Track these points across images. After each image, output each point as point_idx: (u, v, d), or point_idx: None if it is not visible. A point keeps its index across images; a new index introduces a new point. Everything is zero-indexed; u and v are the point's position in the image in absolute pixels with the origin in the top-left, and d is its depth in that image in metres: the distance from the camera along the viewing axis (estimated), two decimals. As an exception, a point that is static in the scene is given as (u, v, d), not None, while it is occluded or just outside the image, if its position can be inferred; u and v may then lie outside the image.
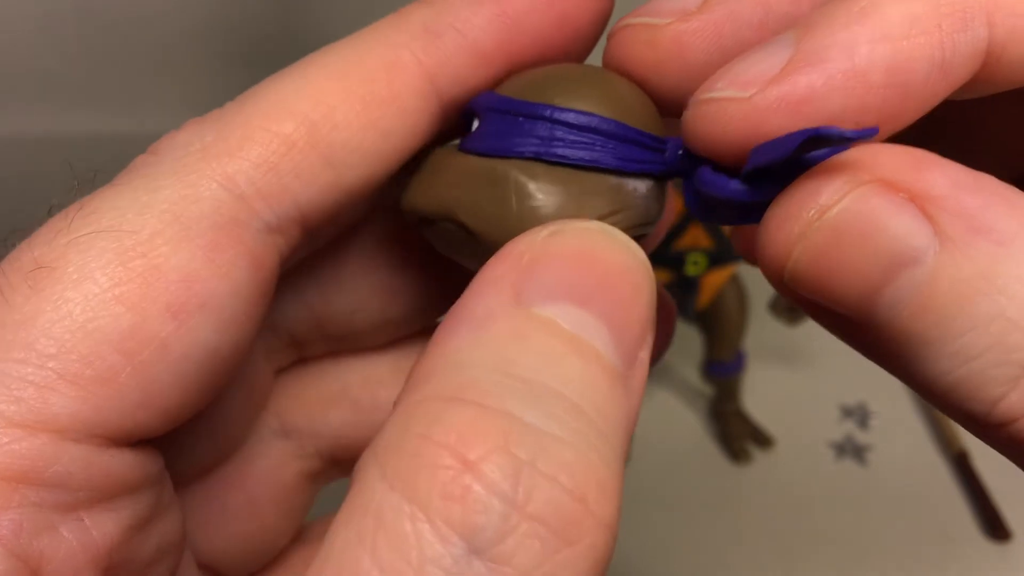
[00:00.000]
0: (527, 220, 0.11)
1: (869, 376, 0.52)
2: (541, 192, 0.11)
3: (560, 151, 0.11)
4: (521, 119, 0.12)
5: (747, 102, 0.11)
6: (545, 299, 0.10)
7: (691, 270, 0.43)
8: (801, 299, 0.12)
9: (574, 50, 0.13)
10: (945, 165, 0.11)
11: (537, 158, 0.12)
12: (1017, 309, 0.10)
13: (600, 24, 0.13)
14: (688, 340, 0.51)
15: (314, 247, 0.13)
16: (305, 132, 0.11)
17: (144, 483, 0.11)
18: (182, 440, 0.13)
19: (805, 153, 0.11)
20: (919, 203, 0.11)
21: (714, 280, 0.45)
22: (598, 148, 0.12)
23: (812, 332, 0.54)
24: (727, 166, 0.11)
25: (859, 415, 0.49)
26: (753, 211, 0.12)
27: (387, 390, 0.16)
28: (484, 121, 0.12)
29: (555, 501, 0.09)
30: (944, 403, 0.12)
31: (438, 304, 0.15)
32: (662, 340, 0.14)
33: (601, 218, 0.12)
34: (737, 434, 0.47)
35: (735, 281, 0.46)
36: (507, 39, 0.12)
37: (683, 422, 0.49)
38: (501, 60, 0.12)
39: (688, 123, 0.11)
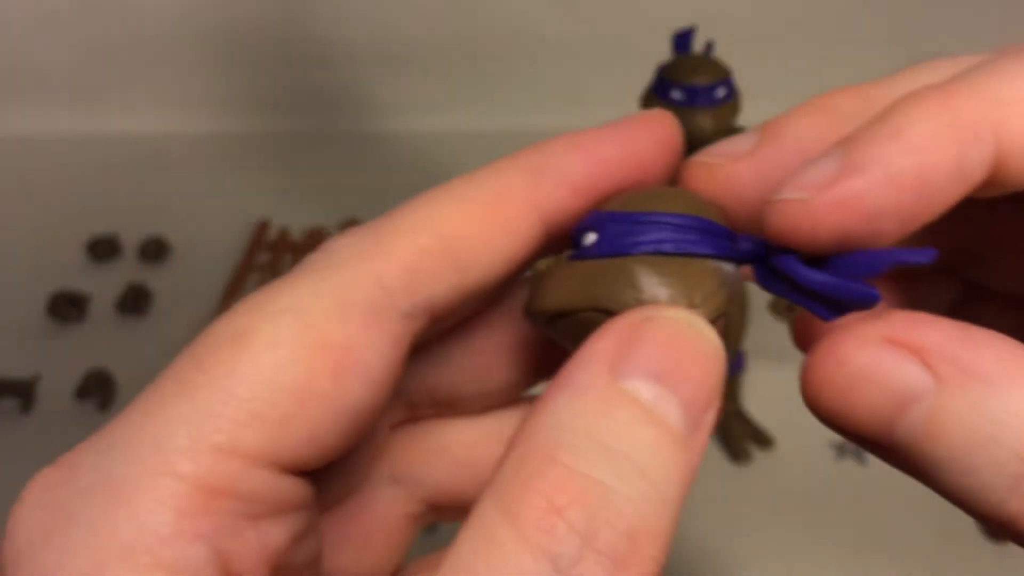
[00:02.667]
0: (653, 301, 0.15)
1: (869, 376, 0.52)
2: (662, 277, 0.15)
3: (669, 246, 0.15)
4: (634, 225, 0.15)
5: (808, 202, 0.14)
6: (632, 375, 0.13)
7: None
8: (837, 430, 0.16)
9: (650, 184, 0.17)
10: (939, 322, 0.14)
11: (656, 253, 0.15)
12: (1005, 433, 0.13)
13: (671, 167, 0.17)
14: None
15: (438, 331, 0.17)
16: (438, 244, 0.15)
17: (303, 505, 0.15)
18: (326, 476, 0.17)
19: (875, 271, 0.14)
20: (918, 354, 0.14)
21: (714, 280, 0.45)
22: (697, 241, 0.15)
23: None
24: (798, 252, 0.15)
25: (859, 415, 0.49)
26: (816, 297, 0.15)
27: (482, 450, 0.19)
28: (602, 232, 0.15)
29: (614, 541, 0.12)
30: (961, 505, 0.15)
31: (528, 381, 0.19)
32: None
33: (710, 294, 0.15)
34: (737, 434, 0.47)
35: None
36: (597, 177, 0.16)
37: (683, 422, 0.49)
38: (592, 192, 0.17)
39: (765, 219, 0.15)
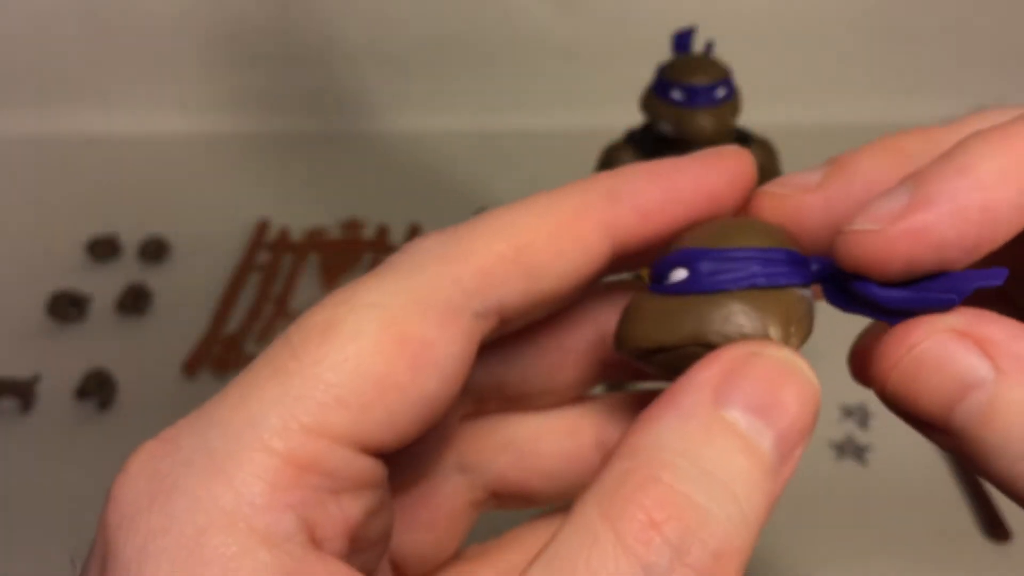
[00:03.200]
0: (755, 334, 0.16)
1: (869, 376, 0.52)
2: (761, 313, 0.16)
3: (761, 280, 0.16)
4: (725, 262, 0.16)
5: (881, 233, 0.15)
6: (734, 405, 0.15)
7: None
8: (898, 411, 0.17)
9: (723, 216, 0.18)
10: (1003, 320, 0.16)
11: (751, 288, 0.16)
12: None
13: (743, 200, 0.18)
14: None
15: (506, 332, 0.18)
16: (512, 252, 0.16)
17: (379, 483, 0.16)
18: (399, 460, 0.18)
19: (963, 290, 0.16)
20: (981, 346, 0.15)
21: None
22: (785, 273, 0.16)
23: (812, 332, 0.54)
24: (870, 277, 0.16)
25: (859, 415, 0.49)
26: (889, 313, 0.16)
27: (545, 444, 0.21)
28: (693, 268, 0.16)
29: (703, 558, 0.13)
30: (1010, 491, 0.16)
31: (591, 382, 0.20)
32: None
33: (800, 323, 0.16)
34: (737, 434, 0.47)
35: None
36: (668, 205, 0.17)
37: (683, 422, 0.49)
38: (662, 219, 0.18)
39: (839, 247, 0.16)
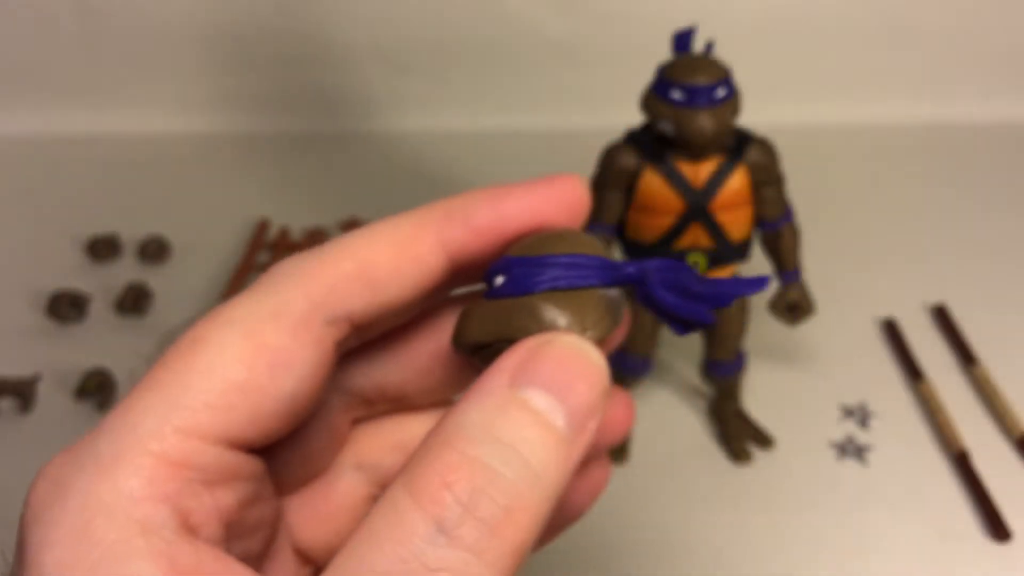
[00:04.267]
0: (552, 329, 0.18)
1: (869, 376, 0.52)
2: (559, 310, 0.18)
3: (562, 283, 0.18)
4: (533, 268, 0.18)
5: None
6: (527, 385, 0.17)
7: (691, 270, 0.43)
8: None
9: (546, 229, 0.20)
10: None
11: (553, 290, 0.18)
12: None
13: (574, 218, 0.21)
14: (688, 340, 0.50)
15: (364, 338, 0.20)
16: (357, 269, 0.19)
17: (252, 476, 0.18)
18: (288, 460, 0.21)
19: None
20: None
21: (714, 280, 0.45)
22: (584, 275, 0.18)
23: (812, 332, 0.55)
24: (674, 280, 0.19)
25: (859, 415, 0.49)
26: (672, 317, 0.19)
27: None
28: (509, 274, 0.19)
29: (492, 512, 0.15)
30: None
31: (462, 383, 0.22)
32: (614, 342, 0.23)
33: (598, 320, 0.18)
34: (737, 434, 0.47)
35: (735, 281, 0.46)
36: (497, 223, 0.20)
37: (683, 422, 0.49)
38: (492, 235, 0.20)
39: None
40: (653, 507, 0.44)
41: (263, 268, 0.61)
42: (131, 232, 0.64)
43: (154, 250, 0.62)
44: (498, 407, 0.17)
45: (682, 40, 0.42)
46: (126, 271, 0.61)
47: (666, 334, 0.51)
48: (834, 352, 0.53)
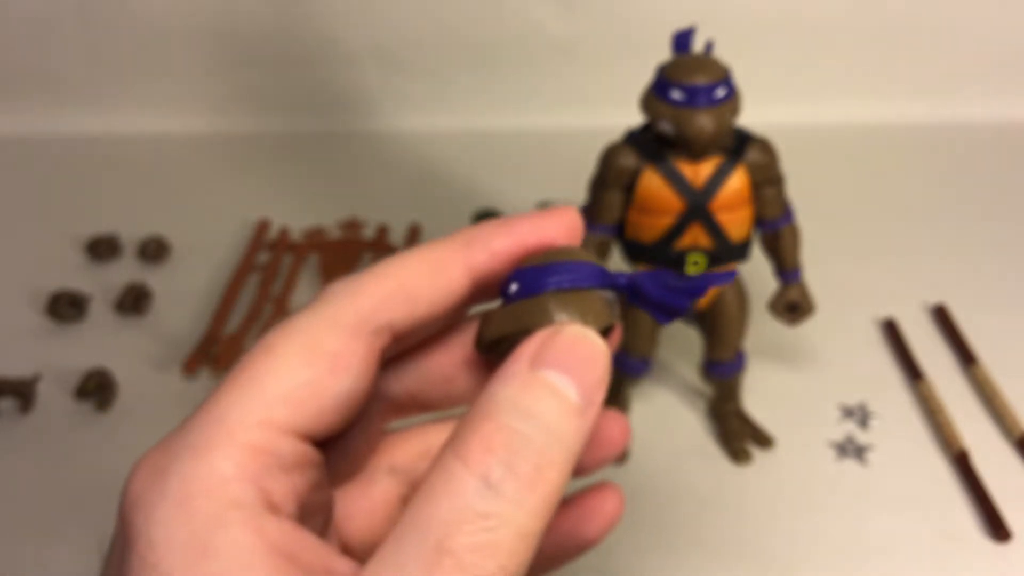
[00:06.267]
0: (559, 321, 0.21)
1: (869, 376, 0.52)
2: (565, 305, 0.22)
3: (567, 284, 0.22)
4: (542, 274, 0.22)
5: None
6: (544, 367, 0.20)
7: (691, 270, 0.43)
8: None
9: (549, 247, 0.24)
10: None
11: (557, 290, 0.22)
12: None
13: (571, 240, 0.24)
14: (688, 340, 0.51)
15: (404, 346, 0.24)
16: (398, 287, 0.22)
17: (316, 464, 0.22)
18: (334, 458, 0.24)
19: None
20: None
21: (714, 280, 0.45)
22: (584, 278, 0.22)
23: (812, 332, 0.55)
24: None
25: (859, 415, 0.49)
26: (657, 307, 0.23)
27: None
28: (521, 281, 0.22)
29: (527, 469, 0.19)
30: None
31: (477, 392, 0.25)
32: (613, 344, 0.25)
33: (598, 314, 0.22)
34: (737, 434, 0.47)
35: (735, 281, 0.46)
36: (512, 247, 0.23)
37: (683, 422, 0.49)
38: (508, 257, 0.23)
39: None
40: (653, 506, 0.44)
41: (263, 268, 0.61)
42: (131, 232, 0.64)
43: (154, 250, 0.62)
44: (523, 385, 0.20)
45: (682, 40, 0.42)
46: (126, 271, 0.61)
47: (665, 335, 0.51)
48: (834, 352, 0.53)
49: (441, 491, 0.18)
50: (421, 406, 0.26)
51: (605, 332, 0.22)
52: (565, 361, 0.20)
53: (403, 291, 0.22)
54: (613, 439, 0.27)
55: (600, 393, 0.21)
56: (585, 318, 0.21)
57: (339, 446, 0.24)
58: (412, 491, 0.26)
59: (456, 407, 0.26)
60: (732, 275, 0.22)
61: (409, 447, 0.27)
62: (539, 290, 0.22)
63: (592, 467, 0.28)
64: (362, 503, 0.26)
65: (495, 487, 0.18)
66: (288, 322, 0.22)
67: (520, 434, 0.19)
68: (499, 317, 0.22)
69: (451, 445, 0.19)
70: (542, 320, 0.21)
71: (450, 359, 0.25)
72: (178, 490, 0.19)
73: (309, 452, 0.21)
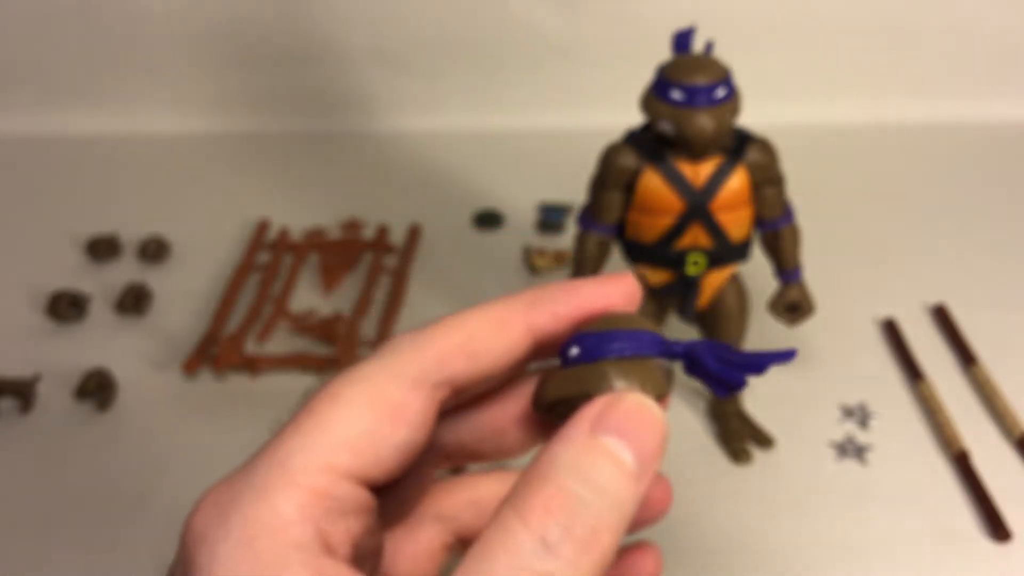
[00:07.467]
0: (620, 388, 0.22)
1: (869, 376, 0.52)
2: (624, 373, 0.22)
3: (629, 352, 0.22)
4: (604, 340, 0.23)
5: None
6: (605, 433, 0.21)
7: (691, 270, 0.43)
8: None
9: (610, 313, 0.24)
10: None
11: (619, 358, 0.22)
12: None
13: (630, 305, 0.25)
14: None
15: (459, 401, 0.25)
16: (460, 343, 0.23)
17: (371, 509, 0.22)
18: (388, 503, 0.24)
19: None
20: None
21: (714, 280, 0.45)
22: (643, 347, 0.23)
23: (812, 332, 0.55)
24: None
25: (859, 415, 0.49)
26: (717, 382, 0.24)
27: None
28: (582, 346, 0.23)
29: (583, 532, 0.19)
30: None
31: (531, 445, 0.26)
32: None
33: (656, 382, 0.22)
34: (737, 434, 0.47)
35: (735, 281, 0.46)
36: (574, 310, 0.24)
37: (683, 422, 0.49)
38: (569, 320, 0.24)
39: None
40: (653, 507, 0.44)
41: (263, 268, 0.61)
42: (131, 232, 0.64)
43: (154, 250, 0.62)
44: (583, 449, 0.20)
45: (682, 40, 0.42)
46: (126, 271, 0.61)
47: (666, 335, 0.51)
48: (834, 352, 0.53)
49: (499, 547, 0.19)
50: (471, 456, 0.27)
51: (659, 399, 0.23)
52: (625, 428, 0.21)
53: (466, 347, 0.23)
54: (658, 501, 0.28)
55: (656, 461, 0.21)
56: (644, 386, 0.22)
57: (393, 492, 0.25)
58: (456, 539, 0.27)
59: (505, 460, 0.27)
60: (792, 354, 0.23)
61: (457, 496, 0.27)
62: (600, 356, 0.22)
63: (636, 528, 0.28)
64: (408, 547, 0.27)
65: (553, 548, 0.19)
66: (353, 370, 0.23)
67: (579, 497, 0.19)
68: (559, 380, 0.23)
69: (511, 502, 0.20)
70: (602, 386, 0.22)
71: (504, 414, 0.26)
72: (241, 529, 0.19)
73: (366, 497, 0.22)
